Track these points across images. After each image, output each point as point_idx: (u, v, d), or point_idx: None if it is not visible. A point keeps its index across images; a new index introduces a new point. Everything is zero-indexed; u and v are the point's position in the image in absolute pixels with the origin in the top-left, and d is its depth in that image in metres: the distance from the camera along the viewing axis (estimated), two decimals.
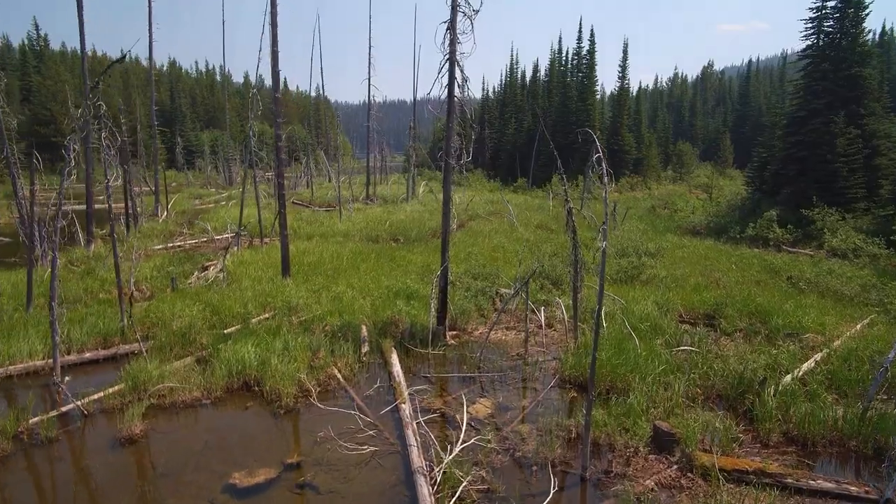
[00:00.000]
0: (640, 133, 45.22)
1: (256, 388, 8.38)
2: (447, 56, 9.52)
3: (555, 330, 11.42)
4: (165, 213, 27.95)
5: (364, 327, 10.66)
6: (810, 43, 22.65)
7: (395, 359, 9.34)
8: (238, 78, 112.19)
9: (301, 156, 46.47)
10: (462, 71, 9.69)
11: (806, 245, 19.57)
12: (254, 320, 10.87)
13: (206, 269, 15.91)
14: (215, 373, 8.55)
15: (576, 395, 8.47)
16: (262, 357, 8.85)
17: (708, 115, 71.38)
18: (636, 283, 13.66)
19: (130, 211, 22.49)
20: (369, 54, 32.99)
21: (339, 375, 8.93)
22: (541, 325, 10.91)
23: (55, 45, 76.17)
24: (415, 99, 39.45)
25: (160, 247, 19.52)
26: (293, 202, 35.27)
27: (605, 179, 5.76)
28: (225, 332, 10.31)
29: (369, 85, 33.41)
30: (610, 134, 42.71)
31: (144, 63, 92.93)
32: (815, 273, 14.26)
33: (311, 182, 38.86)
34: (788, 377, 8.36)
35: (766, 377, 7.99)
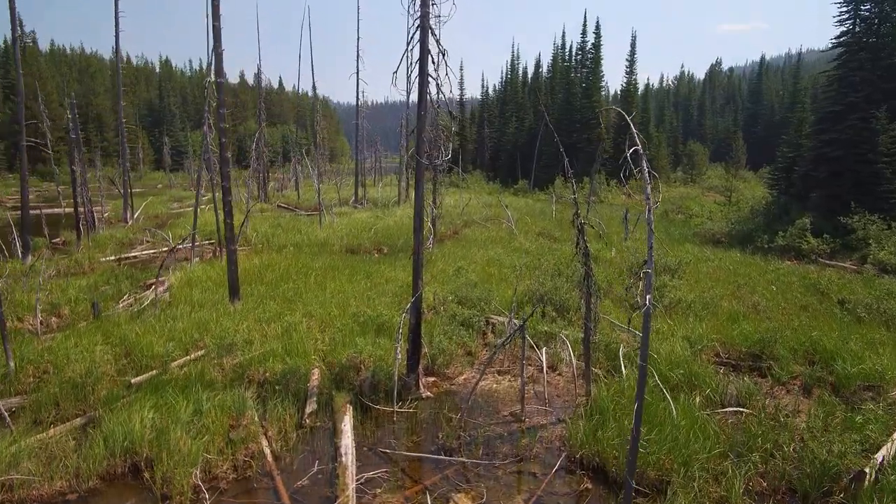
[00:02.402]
0: (647, 132, 42.77)
1: (147, 475, 6.03)
2: (417, 21, 7.18)
3: (560, 374, 9.05)
4: (132, 219, 25.67)
5: (315, 373, 8.31)
6: (845, 29, 20.23)
7: (347, 424, 6.98)
8: (233, 78, 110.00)
9: (291, 156, 44.18)
10: (438, 42, 7.34)
11: (845, 257, 17.15)
12: (175, 364, 8.53)
13: (148, 287, 13.61)
14: (94, 449, 6.21)
15: (590, 485, 6.08)
16: (161, 425, 6.51)
17: (717, 115, 68.81)
18: (657, 310, 11.26)
19: (86, 217, 20.19)
20: (358, 46, 30.68)
21: (267, 451, 6.57)
22: (542, 368, 8.51)
23: (44, 44, 74.21)
24: (409, 95, 37.07)
25: (112, 258, 17.21)
26: (278, 205, 33.08)
27: (649, 189, 3.38)
28: (132, 381, 7.98)
29: (358, 80, 31.07)
30: (616, 133, 40.31)
31: (135, 60, 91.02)
32: (872, 296, 11.84)
33: (298, 184, 36.54)
34: (880, 455, 6.00)
35: (863, 471, 5.61)
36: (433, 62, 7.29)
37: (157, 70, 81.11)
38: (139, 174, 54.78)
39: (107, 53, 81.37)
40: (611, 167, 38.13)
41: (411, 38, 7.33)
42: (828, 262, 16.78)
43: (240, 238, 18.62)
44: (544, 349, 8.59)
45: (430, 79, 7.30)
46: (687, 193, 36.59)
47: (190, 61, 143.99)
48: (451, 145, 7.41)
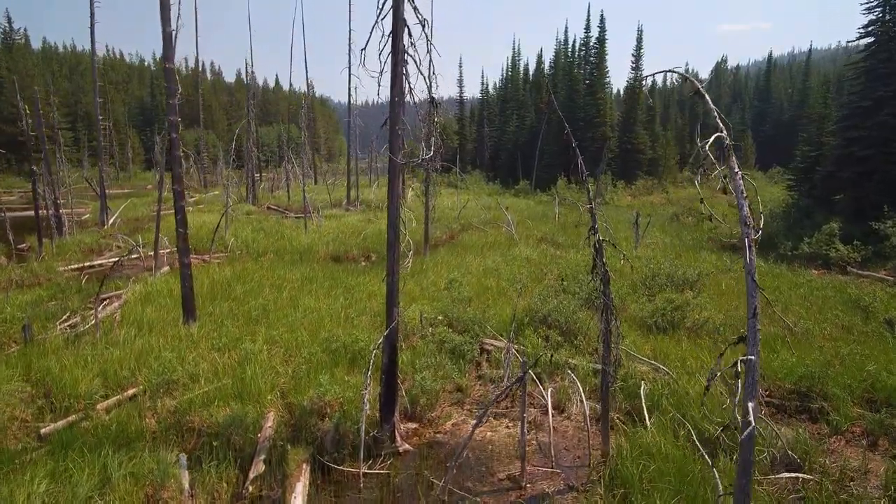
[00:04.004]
0: (654, 130, 41.18)
1: None
2: None
3: (568, 417, 7.51)
4: (109, 222, 24.20)
5: (269, 420, 6.80)
6: (874, 18, 18.64)
7: (298, 497, 5.46)
8: (230, 76, 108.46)
9: (284, 155, 42.67)
10: (417, 10, 5.82)
11: (879, 266, 15.56)
12: (101, 406, 7.03)
13: (103, 302, 12.12)
14: None
15: None
16: (55, 502, 5.01)
17: (723, 113, 66.98)
18: (679, 333, 9.72)
19: (49, 221, 18.74)
20: (349, 39, 29.13)
21: None
22: (547, 409, 6.96)
23: (37, 42, 72.82)
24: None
25: (73, 267, 15.71)
26: (267, 207, 31.60)
27: (746, 208, 1.93)
28: (43, 431, 6.49)
29: (350, 74, 29.53)
30: (622, 131, 38.73)
31: (128, 58, 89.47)
32: None
33: (289, 185, 35.03)
34: None
35: None
36: (410, 35, 5.76)
37: (153, 68, 79.62)
38: (129, 174, 53.39)
39: (100, 51, 79.71)
40: (616, 167, 36.59)
41: (382, 5, 5.81)
42: (860, 271, 15.21)
43: (214, 245, 17.16)
44: (549, 389, 7.06)
45: (406, 56, 5.77)
46: (696, 195, 35.00)
47: (185, 59, 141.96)
48: (433, 139, 5.88)
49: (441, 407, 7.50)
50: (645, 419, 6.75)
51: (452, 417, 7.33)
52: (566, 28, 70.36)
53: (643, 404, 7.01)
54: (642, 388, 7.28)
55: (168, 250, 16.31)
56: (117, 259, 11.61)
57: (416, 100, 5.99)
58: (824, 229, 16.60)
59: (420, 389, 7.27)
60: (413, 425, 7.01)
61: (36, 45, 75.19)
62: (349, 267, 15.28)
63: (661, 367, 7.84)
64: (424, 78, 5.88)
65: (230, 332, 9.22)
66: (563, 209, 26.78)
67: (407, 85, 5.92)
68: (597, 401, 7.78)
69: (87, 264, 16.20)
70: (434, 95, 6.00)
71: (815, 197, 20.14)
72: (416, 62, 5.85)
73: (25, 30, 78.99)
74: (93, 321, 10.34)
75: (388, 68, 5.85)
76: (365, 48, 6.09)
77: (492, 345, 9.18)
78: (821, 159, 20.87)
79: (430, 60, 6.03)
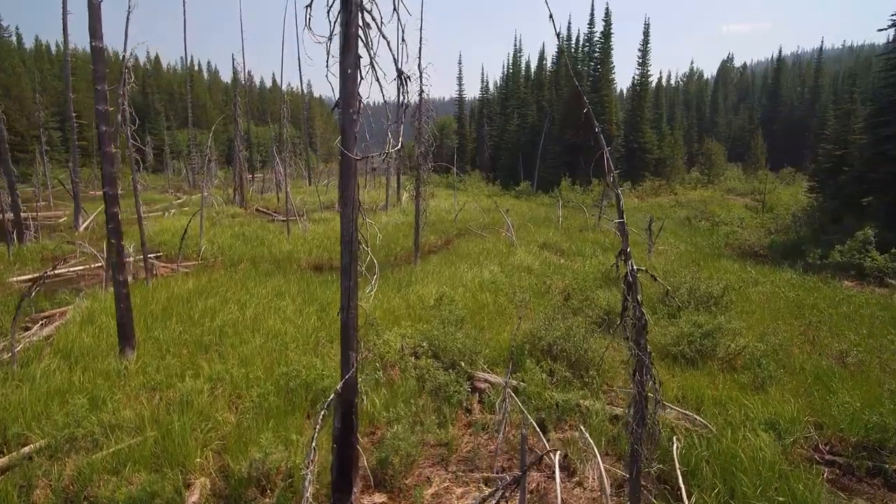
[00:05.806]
0: (661, 130, 39.53)
1: None
2: None
3: (580, 483, 5.93)
4: (82, 226, 22.72)
5: (195, 492, 5.24)
6: None
7: None
8: (226, 76, 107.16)
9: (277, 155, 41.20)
10: None
11: None
12: None
13: (43, 320, 10.64)
14: None
15: None
16: None
17: (730, 113, 65.44)
18: (711, 365, 8.13)
19: (7, 226, 17.25)
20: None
21: None
22: (552, 470, 5.41)
23: (29, 41, 71.51)
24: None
25: (25, 277, 14.18)
26: (256, 209, 30.10)
27: None
28: None
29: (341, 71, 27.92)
30: (628, 130, 37.10)
31: (121, 55, 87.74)
32: None
33: (279, 186, 33.50)
34: None
35: None
36: None
37: (148, 67, 78.17)
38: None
39: (84, 46, 78.34)
40: (622, 167, 34.96)
41: None
42: None
43: (182, 252, 15.64)
44: (558, 452, 5.49)
45: (362, 13, 4.21)
46: (706, 196, 33.31)
47: (182, 58, 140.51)
48: (401, 128, 4.33)
49: (419, 469, 5.93)
50: (681, 493, 5.19)
51: (433, 484, 5.75)
52: (569, 24, 68.12)
53: (677, 470, 5.45)
54: (675, 446, 5.71)
55: (130, 259, 14.76)
56: (40, 275, 10.08)
57: (379, 75, 4.44)
58: (858, 236, 15.00)
59: (392, 449, 5.70)
60: (380, 499, 5.45)
61: (29, 44, 74.06)
62: (330, 278, 13.69)
63: (698, 417, 6.27)
64: (388, 43, 4.33)
65: (171, 365, 7.66)
66: (567, 212, 25.22)
67: (367, 53, 4.37)
68: (615, 458, 6.25)
69: (42, 274, 14.67)
70: (403, 69, 4.44)
71: (842, 199, 18.52)
72: (376, 22, 4.30)
73: (17, 28, 77.88)
74: (21, 346, 8.83)
75: (339, 29, 4.30)
76: (311, 4, 4.54)
77: (485, 381, 7.61)
78: (847, 158, 19.27)
79: (399, 21, 4.48)
